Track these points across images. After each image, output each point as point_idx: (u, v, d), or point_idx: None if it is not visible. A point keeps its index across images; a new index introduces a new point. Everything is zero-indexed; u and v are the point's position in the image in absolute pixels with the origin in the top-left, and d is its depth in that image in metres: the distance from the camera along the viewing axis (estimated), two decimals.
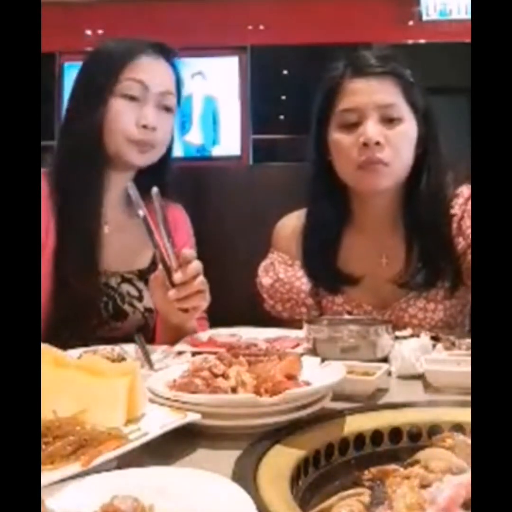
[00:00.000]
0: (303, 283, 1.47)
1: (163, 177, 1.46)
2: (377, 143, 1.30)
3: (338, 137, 1.37)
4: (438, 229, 1.38)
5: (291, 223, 1.53)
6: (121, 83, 1.37)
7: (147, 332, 1.42)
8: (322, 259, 1.45)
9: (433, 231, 1.38)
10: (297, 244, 1.49)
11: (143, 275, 1.45)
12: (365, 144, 1.31)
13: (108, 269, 1.41)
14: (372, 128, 1.31)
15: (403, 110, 1.34)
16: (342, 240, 1.47)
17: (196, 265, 1.19)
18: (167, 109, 1.42)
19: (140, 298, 1.44)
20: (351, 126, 1.34)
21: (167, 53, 1.43)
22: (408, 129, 1.35)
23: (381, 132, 1.31)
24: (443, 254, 1.38)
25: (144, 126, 1.37)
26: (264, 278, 1.50)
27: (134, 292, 1.44)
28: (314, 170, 1.45)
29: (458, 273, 1.39)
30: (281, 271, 1.48)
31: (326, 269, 1.45)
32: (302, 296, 1.47)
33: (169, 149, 1.48)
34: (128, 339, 1.32)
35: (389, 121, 1.33)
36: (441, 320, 1.40)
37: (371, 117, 1.32)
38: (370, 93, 1.32)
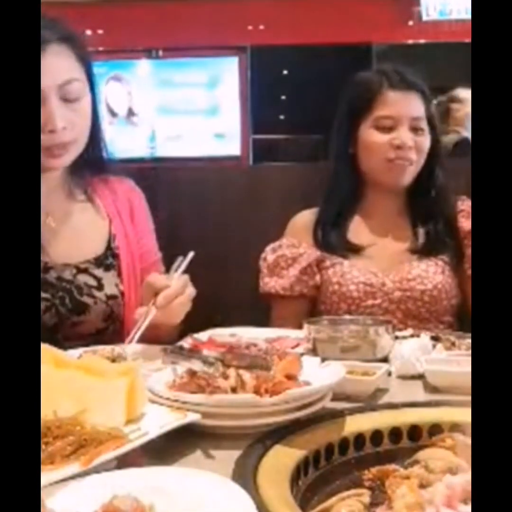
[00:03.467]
0: (303, 258, 1.59)
1: (97, 158, 1.41)
2: (409, 147, 1.55)
3: (371, 135, 1.58)
4: (442, 215, 1.61)
5: (305, 217, 1.69)
6: None
7: (115, 320, 1.37)
8: (333, 229, 1.63)
9: (438, 216, 1.61)
10: (307, 232, 1.64)
11: (100, 262, 1.39)
12: (399, 147, 1.55)
13: (57, 262, 1.33)
14: (406, 134, 1.55)
15: (425, 122, 1.59)
16: (353, 218, 1.65)
17: (175, 288, 1.18)
18: (74, 100, 1.28)
19: (99, 287, 1.36)
20: (386, 129, 1.57)
21: (67, 37, 1.28)
22: (427, 139, 1.59)
23: (412, 138, 1.56)
24: (446, 235, 1.60)
25: (52, 131, 1.24)
26: (269, 255, 1.63)
27: (92, 282, 1.36)
28: (337, 160, 1.65)
29: (459, 252, 1.59)
30: (287, 250, 1.61)
31: (336, 237, 1.62)
32: (298, 268, 1.58)
33: (94, 127, 1.36)
34: (99, 332, 1.33)
35: (415, 130, 1.57)
36: (440, 283, 1.54)
37: (404, 125, 1.56)
38: (405, 105, 1.57)
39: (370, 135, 1.58)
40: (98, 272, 1.37)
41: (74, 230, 1.39)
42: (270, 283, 1.60)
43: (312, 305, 1.61)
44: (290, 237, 1.65)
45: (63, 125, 1.25)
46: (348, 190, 1.64)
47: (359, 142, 1.60)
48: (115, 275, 1.39)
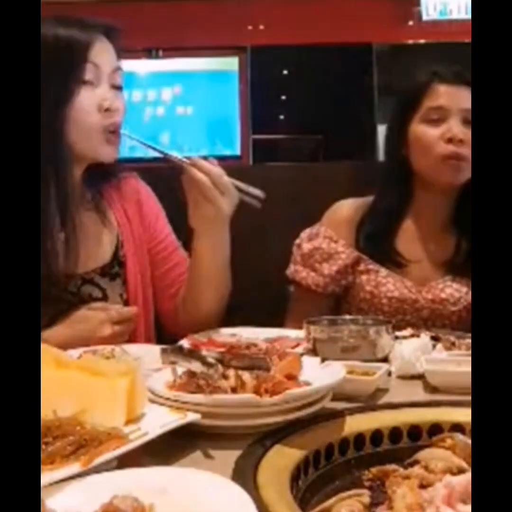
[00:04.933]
0: (341, 258, 1.55)
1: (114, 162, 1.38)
2: (460, 141, 1.48)
3: (422, 130, 1.52)
4: None
5: (346, 209, 1.63)
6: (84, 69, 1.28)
7: None
8: (382, 241, 1.57)
9: None
10: (346, 226, 1.59)
11: (105, 271, 1.36)
12: (450, 140, 1.48)
13: (65, 272, 1.30)
14: (457, 127, 1.49)
15: None
16: (401, 226, 1.60)
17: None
18: (119, 88, 1.33)
19: (103, 298, 1.34)
20: (435, 122, 1.51)
21: (110, 32, 1.34)
22: None
23: (463, 131, 1.49)
24: None
25: (107, 110, 1.28)
26: (305, 244, 1.59)
27: (96, 293, 1.34)
28: (389, 162, 1.62)
29: None
30: (324, 243, 1.57)
31: (385, 249, 1.57)
32: (334, 268, 1.55)
33: None
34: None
35: (468, 123, 1.50)
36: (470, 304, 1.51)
37: (455, 117, 1.50)
38: (455, 97, 1.52)
39: (420, 130, 1.53)
40: (103, 282, 1.35)
41: (83, 240, 1.35)
42: (302, 274, 1.57)
43: (337, 302, 1.59)
44: (328, 228, 1.60)
45: (117, 106, 1.28)
46: (400, 194, 1.58)
47: (410, 139, 1.55)
48: (120, 284, 1.37)
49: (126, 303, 1.37)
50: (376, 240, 1.57)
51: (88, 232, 1.37)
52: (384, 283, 1.52)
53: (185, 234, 1.41)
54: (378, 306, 1.52)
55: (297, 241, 1.61)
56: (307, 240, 1.59)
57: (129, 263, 1.39)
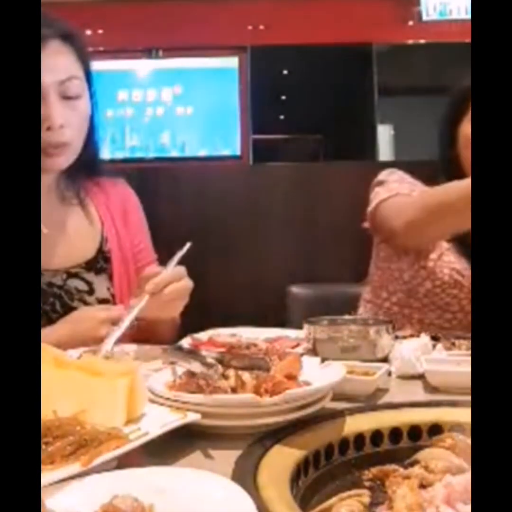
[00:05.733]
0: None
1: (92, 161, 1.39)
2: None
3: None
4: None
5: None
6: None
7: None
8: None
9: None
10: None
11: (91, 266, 1.38)
12: None
13: (48, 267, 1.33)
14: None
15: None
16: None
17: (165, 275, 1.16)
18: (74, 97, 1.26)
19: (90, 292, 1.35)
20: None
21: (67, 35, 1.26)
22: None
23: None
24: None
25: (49, 129, 1.23)
26: (391, 177, 1.60)
27: (82, 287, 1.35)
28: (442, 164, 1.60)
29: None
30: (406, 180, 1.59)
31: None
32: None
33: (91, 128, 1.35)
34: None
35: None
36: None
37: None
38: None
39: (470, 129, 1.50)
40: (89, 276, 1.37)
41: (66, 235, 1.38)
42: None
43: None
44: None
45: (61, 123, 1.23)
46: None
47: (461, 141, 1.54)
48: (106, 278, 1.38)
49: (113, 297, 1.38)
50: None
51: (71, 227, 1.39)
52: (447, 254, 1.54)
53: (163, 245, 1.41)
54: (438, 274, 1.53)
55: (378, 179, 1.61)
56: (388, 174, 1.60)
57: (114, 259, 1.41)
